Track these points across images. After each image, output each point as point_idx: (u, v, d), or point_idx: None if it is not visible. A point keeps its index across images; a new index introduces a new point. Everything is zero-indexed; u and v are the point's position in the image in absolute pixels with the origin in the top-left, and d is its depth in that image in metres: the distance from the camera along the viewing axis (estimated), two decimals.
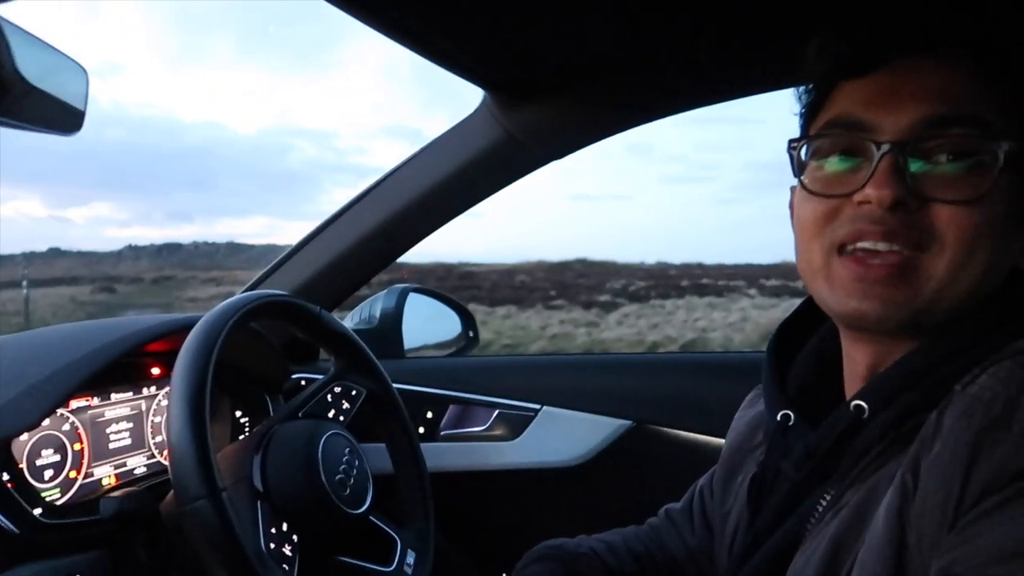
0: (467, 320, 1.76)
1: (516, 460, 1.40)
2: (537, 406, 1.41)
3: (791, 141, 0.67)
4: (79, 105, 0.70)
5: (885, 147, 0.59)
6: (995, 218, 0.59)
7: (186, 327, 0.93)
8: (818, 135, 0.65)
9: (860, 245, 0.61)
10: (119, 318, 1.14)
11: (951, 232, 0.58)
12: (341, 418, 1.09)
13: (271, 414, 1.24)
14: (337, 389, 1.11)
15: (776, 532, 0.68)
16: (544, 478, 1.39)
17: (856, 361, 0.68)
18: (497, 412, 1.43)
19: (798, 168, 0.67)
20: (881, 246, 0.60)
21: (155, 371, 1.15)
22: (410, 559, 1.06)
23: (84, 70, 0.72)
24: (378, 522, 1.06)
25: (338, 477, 0.97)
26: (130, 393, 1.11)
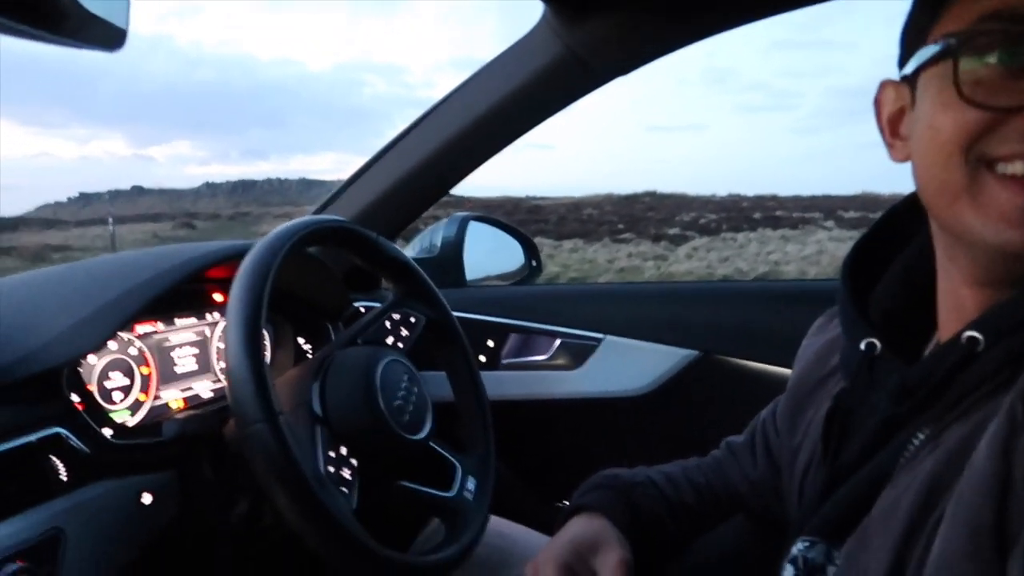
0: (529, 249, 1.73)
1: (578, 389, 1.38)
2: (600, 335, 1.38)
3: (944, 36, 0.55)
4: (121, 21, 0.68)
5: None
6: None
7: (245, 252, 0.93)
8: (977, 31, 0.53)
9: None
10: (180, 244, 1.15)
11: None
12: (400, 345, 1.09)
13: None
14: (396, 316, 1.10)
15: (863, 468, 0.63)
16: (607, 408, 1.37)
17: (961, 290, 0.61)
18: (559, 341, 1.40)
19: (941, 70, 0.55)
20: None
21: (218, 297, 1.16)
22: (470, 485, 1.06)
23: None
24: (439, 448, 1.06)
25: (396, 403, 0.96)
26: (194, 319, 1.12)
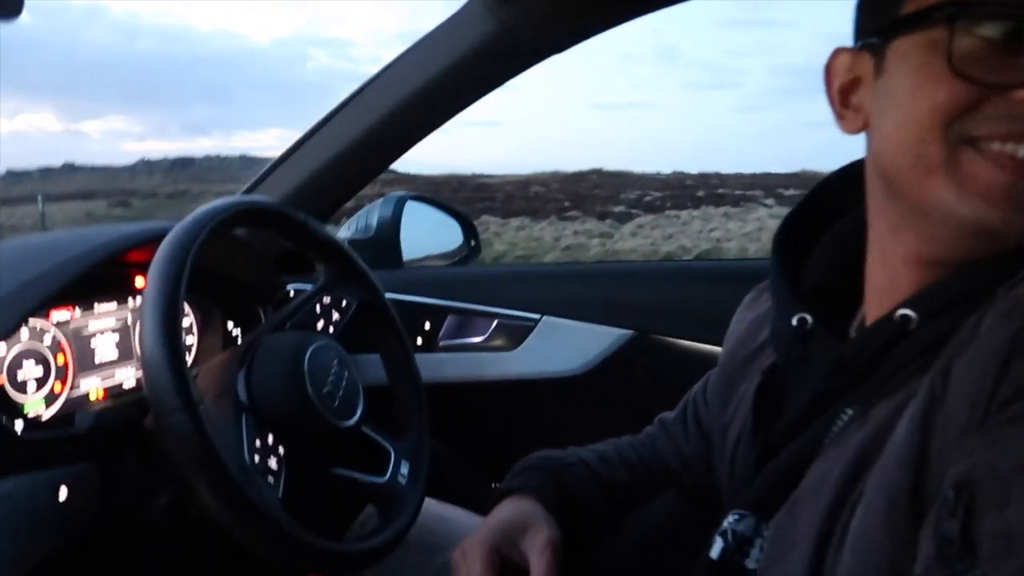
0: (468, 229, 1.71)
1: (516, 370, 1.38)
2: (537, 316, 1.38)
3: (935, 5, 0.52)
4: None
5: None
6: None
7: (165, 234, 0.89)
8: (977, 1, 0.51)
9: (1009, 148, 0.51)
10: (99, 227, 1.10)
11: None
12: (331, 329, 1.06)
13: None
14: (326, 300, 1.08)
15: (793, 442, 0.64)
16: (544, 388, 1.37)
17: (898, 268, 0.60)
18: (496, 322, 1.40)
19: (926, 39, 0.53)
20: None
21: (140, 282, 1.11)
22: (404, 470, 1.04)
23: None
24: (371, 433, 1.04)
25: (326, 389, 0.94)
26: (115, 305, 1.08)
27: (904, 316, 0.56)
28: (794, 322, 0.66)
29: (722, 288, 1.34)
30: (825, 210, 0.72)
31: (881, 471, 0.52)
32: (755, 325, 0.81)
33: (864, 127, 0.61)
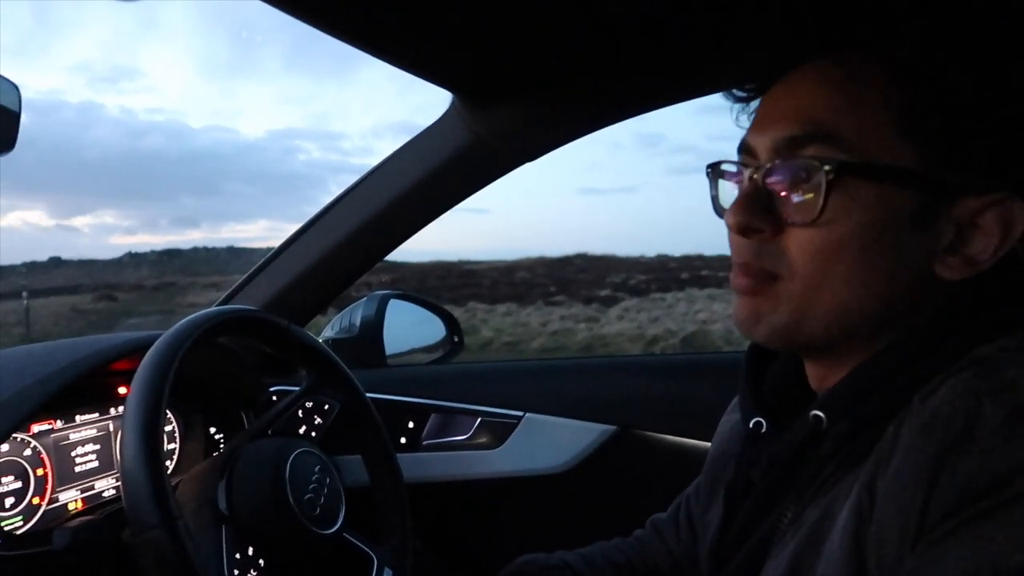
0: (451, 325, 1.73)
1: (499, 468, 1.37)
2: (520, 413, 1.39)
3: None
4: (11, 123, 0.68)
5: (751, 171, 0.60)
6: (846, 235, 0.56)
7: (148, 346, 0.90)
8: (726, 162, 0.66)
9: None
10: (82, 338, 1.11)
11: (800, 257, 0.58)
12: (313, 434, 1.07)
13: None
14: (309, 404, 1.08)
15: (743, 547, 0.65)
16: (528, 486, 1.37)
17: (808, 371, 0.66)
18: (480, 420, 1.40)
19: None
20: (740, 276, 0.62)
21: (123, 391, 1.12)
22: None
23: (16, 87, 0.70)
24: (353, 539, 1.04)
25: (307, 496, 0.94)
26: (96, 414, 1.08)
27: (816, 417, 0.59)
28: (751, 425, 0.68)
29: (704, 382, 1.36)
30: None
31: None
32: (737, 427, 0.83)
33: None
